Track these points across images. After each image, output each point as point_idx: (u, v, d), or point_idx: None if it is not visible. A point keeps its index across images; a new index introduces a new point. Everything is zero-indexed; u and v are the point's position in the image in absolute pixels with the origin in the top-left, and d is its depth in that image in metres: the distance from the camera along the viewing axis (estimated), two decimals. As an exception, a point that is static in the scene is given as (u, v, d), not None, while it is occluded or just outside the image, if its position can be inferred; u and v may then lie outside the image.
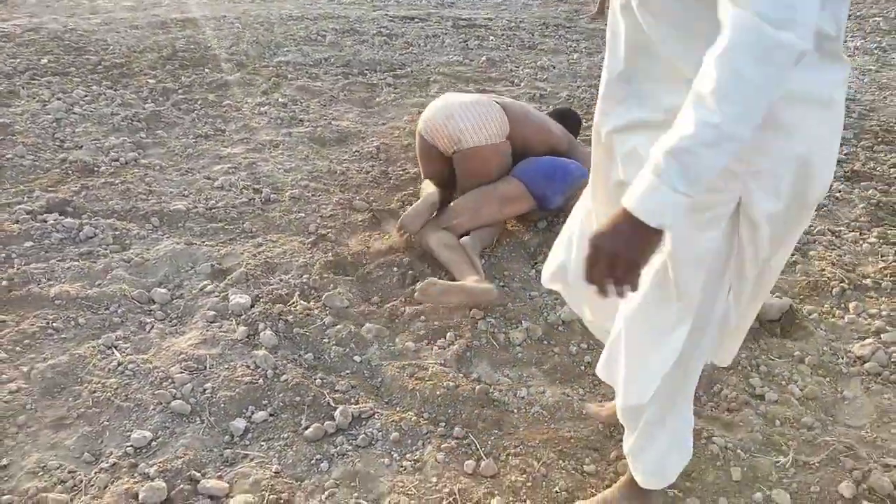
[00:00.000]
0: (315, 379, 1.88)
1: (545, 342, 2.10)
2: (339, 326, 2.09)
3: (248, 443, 1.70)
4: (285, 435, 1.71)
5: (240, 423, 1.73)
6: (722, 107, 0.86)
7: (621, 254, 0.96)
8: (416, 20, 6.41)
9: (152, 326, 2.10)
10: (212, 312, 2.13)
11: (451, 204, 2.59)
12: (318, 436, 1.70)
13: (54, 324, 2.05)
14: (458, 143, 2.52)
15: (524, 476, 1.60)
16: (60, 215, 2.66)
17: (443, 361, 1.99)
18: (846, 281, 2.43)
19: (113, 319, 2.10)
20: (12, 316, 2.09)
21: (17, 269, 2.27)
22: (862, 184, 3.27)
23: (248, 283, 2.29)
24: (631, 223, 0.94)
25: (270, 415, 1.77)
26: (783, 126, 1.02)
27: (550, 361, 2.01)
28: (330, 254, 2.49)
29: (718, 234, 1.13)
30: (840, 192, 3.18)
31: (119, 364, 1.89)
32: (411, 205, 2.60)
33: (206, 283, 2.30)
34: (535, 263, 2.51)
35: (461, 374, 1.94)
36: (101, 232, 2.56)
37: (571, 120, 3.11)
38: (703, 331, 1.23)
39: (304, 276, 2.32)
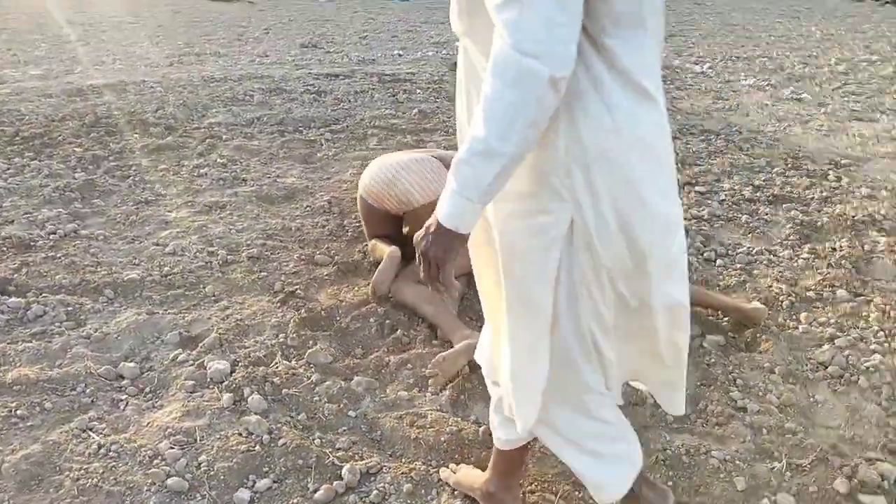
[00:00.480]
0: (314, 439, 1.83)
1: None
2: (328, 383, 2.05)
3: (255, 513, 1.62)
4: (294, 501, 1.65)
5: (244, 494, 1.65)
6: (487, 124, 0.99)
7: (429, 253, 1.11)
8: (342, 77, 6.50)
9: (126, 403, 1.99)
10: (190, 382, 2.04)
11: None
12: (329, 497, 1.65)
13: (18, 411, 1.90)
14: (407, 203, 2.56)
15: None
16: (3, 295, 2.49)
17: (438, 407, 1.98)
18: (792, 294, 2.62)
19: (82, 400, 1.97)
20: (-33, 407, 1.93)
21: (-34, 356, 2.10)
22: (784, 206, 3.55)
23: (222, 349, 2.22)
24: (437, 226, 1.10)
25: (274, 482, 1.70)
26: (597, 157, 1.08)
27: (544, 396, 2.04)
28: (302, 310, 2.44)
29: (561, 254, 1.15)
30: (767, 214, 3.43)
31: (100, 447, 1.77)
32: (371, 258, 2.65)
33: (176, 352, 2.20)
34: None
35: (459, 418, 1.93)
36: (52, 309, 2.41)
37: None
38: (568, 352, 1.23)
39: (281, 336, 2.27)
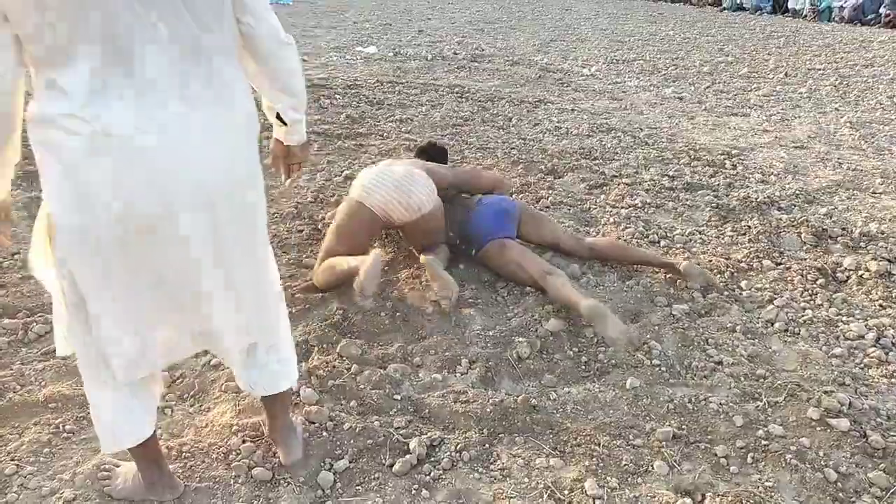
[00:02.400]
0: (373, 421, 1.98)
1: (545, 352, 2.40)
2: (366, 372, 2.20)
3: (342, 492, 1.76)
4: (375, 476, 1.80)
5: (327, 476, 1.78)
6: None
7: None
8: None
9: (172, 410, 2.03)
10: (232, 383, 2.11)
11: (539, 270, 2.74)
12: (406, 469, 1.82)
13: (65, 426, 1.91)
14: (417, 212, 2.74)
15: (594, 459, 1.87)
16: (-10, 318, 2.39)
17: (471, 384, 2.20)
18: (730, 266, 3.08)
19: (127, 410, 1.99)
20: (7, 428, 1.90)
21: (-14, 380, 2.04)
22: (699, 192, 4.07)
23: (250, 351, 2.29)
24: None
25: (350, 462, 1.84)
26: (46, 149, 1.28)
27: (559, 367, 2.32)
28: (313, 311, 2.55)
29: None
30: (687, 200, 3.93)
31: (169, 449, 1.83)
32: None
33: (206, 357, 2.25)
34: (497, 290, 2.81)
35: (493, 391, 2.16)
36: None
37: (436, 151, 3.42)
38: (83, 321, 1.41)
39: (308, 335, 2.37)
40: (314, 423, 1.96)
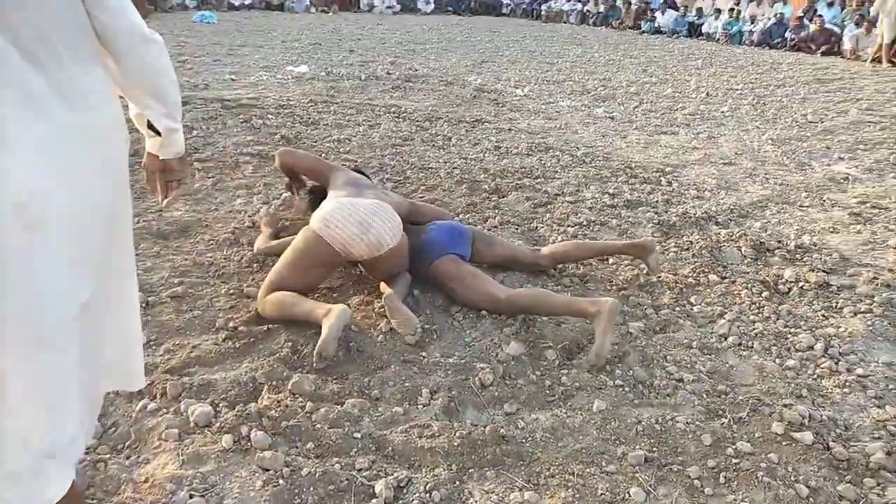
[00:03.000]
0: (333, 464, 1.84)
1: (507, 377, 2.32)
2: (323, 410, 2.05)
3: (304, 545, 1.61)
4: (340, 524, 1.67)
5: (286, 528, 1.63)
6: None
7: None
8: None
9: (105, 464, 1.83)
10: (173, 430, 1.93)
11: (480, 299, 2.68)
12: (374, 515, 1.69)
13: None
14: (378, 248, 2.59)
15: (569, 490, 1.80)
16: None
17: (434, 416, 2.09)
18: (679, 282, 3.10)
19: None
20: None
21: None
22: (640, 209, 4.12)
23: (192, 391, 2.11)
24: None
25: (312, 510, 1.70)
26: None
27: (523, 392, 2.24)
28: (257, 345, 2.39)
29: None
30: (629, 217, 3.97)
31: (105, 510, 1.63)
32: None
33: (141, 402, 2.05)
34: (452, 314, 2.72)
35: (459, 423, 2.06)
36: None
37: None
38: None
39: (255, 372, 2.21)
40: (268, 469, 1.80)
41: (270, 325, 2.51)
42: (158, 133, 1.51)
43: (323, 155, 4.84)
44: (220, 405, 2.05)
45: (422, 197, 4.06)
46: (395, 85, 7.96)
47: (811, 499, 1.82)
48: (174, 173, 1.61)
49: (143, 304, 2.61)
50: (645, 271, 3.12)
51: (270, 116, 5.94)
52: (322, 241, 2.54)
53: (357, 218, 2.57)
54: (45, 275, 1.18)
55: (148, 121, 1.48)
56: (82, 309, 1.27)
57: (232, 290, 2.78)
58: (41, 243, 1.16)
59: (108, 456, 1.86)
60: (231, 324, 2.52)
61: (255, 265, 3.03)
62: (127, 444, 1.91)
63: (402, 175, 4.49)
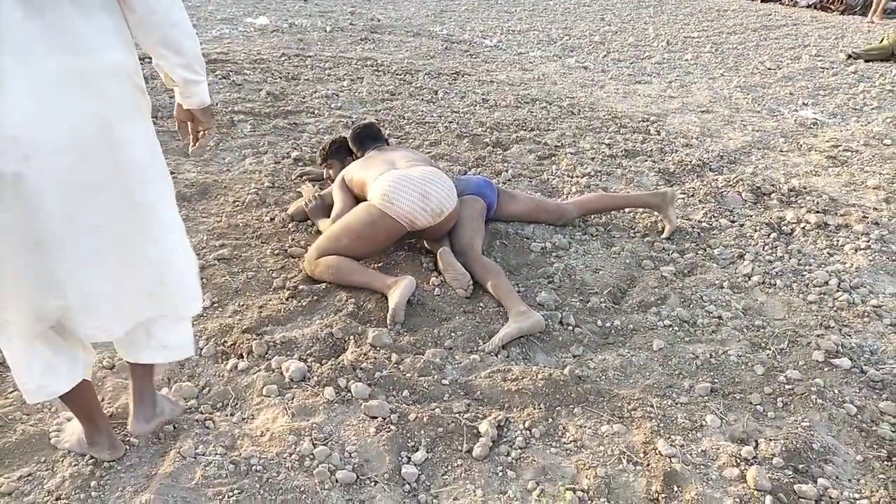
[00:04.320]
0: (434, 408, 1.95)
1: (562, 324, 2.45)
2: (408, 360, 2.15)
3: (429, 484, 1.73)
4: (457, 462, 1.78)
5: (410, 469, 1.74)
6: None
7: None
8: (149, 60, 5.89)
9: (213, 422, 1.88)
10: (272, 386, 1.99)
11: (458, 244, 2.73)
12: (485, 453, 1.81)
13: (105, 465, 1.71)
14: (440, 215, 2.65)
15: (653, 421, 1.96)
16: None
17: (511, 361, 2.21)
18: (696, 226, 3.29)
19: (165, 432, 1.82)
20: (34, 465, 1.67)
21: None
22: (637, 158, 4.29)
23: (278, 349, 2.16)
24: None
25: (427, 452, 1.81)
26: None
27: (585, 337, 2.38)
28: (323, 302, 2.44)
29: None
30: (631, 166, 4.13)
31: (234, 465, 1.70)
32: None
33: (231, 362, 2.10)
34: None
35: (536, 366, 2.19)
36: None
37: (375, 130, 3.22)
38: None
39: (331, 328, 2.27)
40: (375, 417, 1.89)
41: (328, 285, 2.56)
42: None
43: (315, 112, 4.79)
44: (309, 360, 2.11)
45: (428, 152, 4.10)
46: (362, 37, 7.80)
47: (859, 416, 2.04)
48: (200, 123, 1.68)
49: (194, 268, 2.61)
50: (662, 227, 3.23)
51: (248, 72, 5.77)
52: (387, 216, 2.57)
53: (418, 190, 2.60)
54: (36, 195, 1.29)
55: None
56: (93, 230, 1.38)
57: (277, 251, 2.80)
58: (34, 169, 1.27)
59: (211, 413, 1.91)
60: (288, 283, 2.55)
61: (290, 226, 3.04)
62: (227, 402, 1.96)
63: (402, 130, 4.50)
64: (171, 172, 3.48)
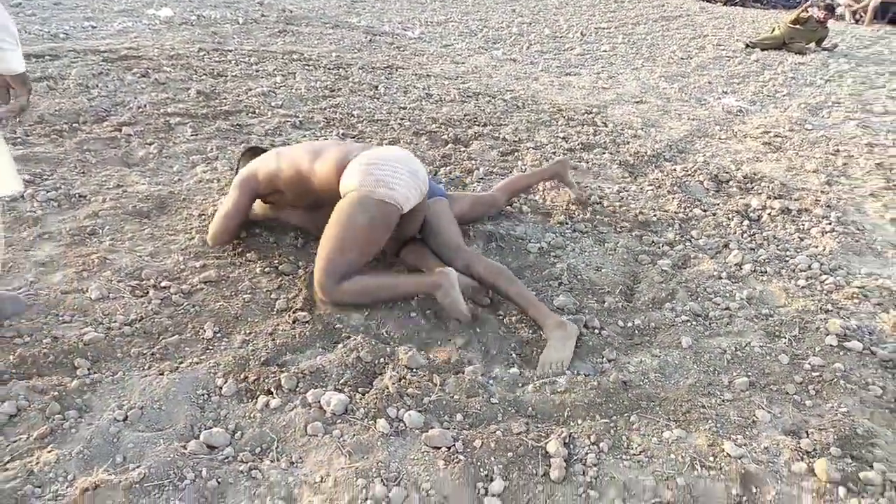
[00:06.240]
0: (494, 431, 1.84)
1: (587, 326, 2.41)
2: (451, 381, 2.02)
3: (514, 515, 1.62)
4: (538, 488, 1.69)
5: (493, 502, 1.63)
6: None
7: None
8: (49, 58, 5.30)
9: (261, 470, 1.68)
10: (317, 424, 1.80)
11: (447, 246, 2.54)
12: (562, 474, 1.73)
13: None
14: (423, 193, 2.46)
15: (709, 422, 1.95)
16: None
17: (526, 368, 2.14)
18: (673, 218, 3.35)
19: (204, 483, 1.60)
20: None
21: None
22: (594, 151, 4.32)
23: (307, 380, 1.97)
24: None
25: (504, 479, 1.70)
26: None
27: (614, 340, 2.35)
28: (336, 324, 2.26)
29: None
30: (592, 159, 4.15)
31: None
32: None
33: (261, 400, 1.88)
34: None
35: (579, 375, 2.12)
36: (31, 402, 1.79)
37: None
38: None
39: (358, 351, 2.09)
40: (438, 447, 1.76)
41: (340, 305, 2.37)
42: None
43: (256, 111, 4.48)
44: (346, 390, 1.94)
45: (390, 151, 3.93)
46: (279, 29, 7.42)
47: (884, 396, 2.13)
48: (14, 89, 1.98)
49: (183, 294, 2.35)
50: (636, 217, 3.27)
51: (167, 69, 5.32)
52: (391, 206, 2.34)
53: (407, 167, 2.40)
54: None
55: None
56: None
57: (267, 269, 2.57)
58: None
59: (253, 462, 1.71)
60: (292, 304, 2.34)
61: (271, 240, 2.80)
62: (267, 446, 1.76)
63: (356, 129, 4.30)
64: (118, 185, 3.15)
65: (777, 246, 3.14)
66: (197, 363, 2.01)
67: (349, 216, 2.33)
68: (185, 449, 1.69)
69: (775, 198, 3.68)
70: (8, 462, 1.62)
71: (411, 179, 2.40)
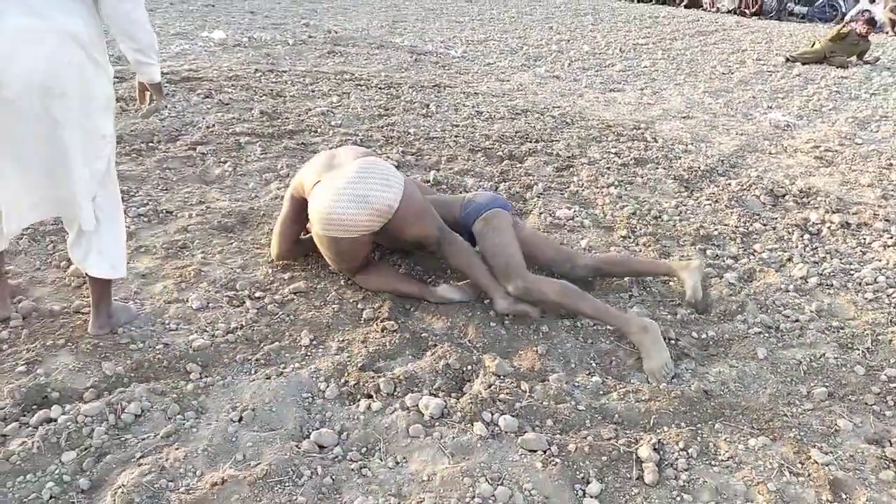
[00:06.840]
0: (586, 436, 1.92)
1: (664, 337, 2.48)
2: (539, 388, 2.11)
3: (613, 515, 1.70)
4: (633, 491, 1.77)
5: (592, 503, 1.71)
6: None
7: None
8: (119, 79, 5.57)
9: (371, 471, 1.78)
10: (417, 426, 1.91)
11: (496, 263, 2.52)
12: (656, 478, 1.80)
13: (279, 518, 1.59)
14: (389, 210, 2.37)
15: (792, 430, 2.01)
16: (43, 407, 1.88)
17: (637, 379, 2.22)
18: (735, 233, 3.40)
19: (323, 481, 1.71)
20: None
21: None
22: (648, 166, 4.39)
23: (405, 384, 2.08)
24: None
25: (600, 482, 1.78)
26: None
27: (691, 350, 2.42)
28: (422, 333, 2.37)
29: None
30: (646, 174, 4.22)
31: (422, 515, 1.62)
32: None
33: (363, 403, 2.00)
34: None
35: (663, 385, 2.20)
36: (153, 404, 1.93)
37: None
38: None
39: (447, 359, 2.20)
40: (535, 451, 1.85)
41: (418, 312, 2.49)
42: None
43: (317, 130, 4.66)
44: (440, 395, 2.05)
45: (450, 169, 4.06)
46: (328, 49, 7.65)
47: (963, 407, 2.17)
48: (151, 94, 2.23)
49: (277, 303, 2.49)
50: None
51: (228, 90, 5.54)
52: (348, 237, 2.39)
53: (345, 196, 2.33)
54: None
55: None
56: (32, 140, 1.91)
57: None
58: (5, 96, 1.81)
59: (362, 461, 1.81)
60: (380, 314, 2.46)
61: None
62: (373, 446, 1.87)
63: (414, 147, 4.44)
64: (201, 202, 3.31)
65: (840, 259, 3.18)
66: (299, 368, 2.14)
67: (323, 246, 2.53)
68: (299, 448, 1.81)
69: (833, 212, 3.71)
70: (140, 458, 1.75)
71: (356, 207, 2.33)
